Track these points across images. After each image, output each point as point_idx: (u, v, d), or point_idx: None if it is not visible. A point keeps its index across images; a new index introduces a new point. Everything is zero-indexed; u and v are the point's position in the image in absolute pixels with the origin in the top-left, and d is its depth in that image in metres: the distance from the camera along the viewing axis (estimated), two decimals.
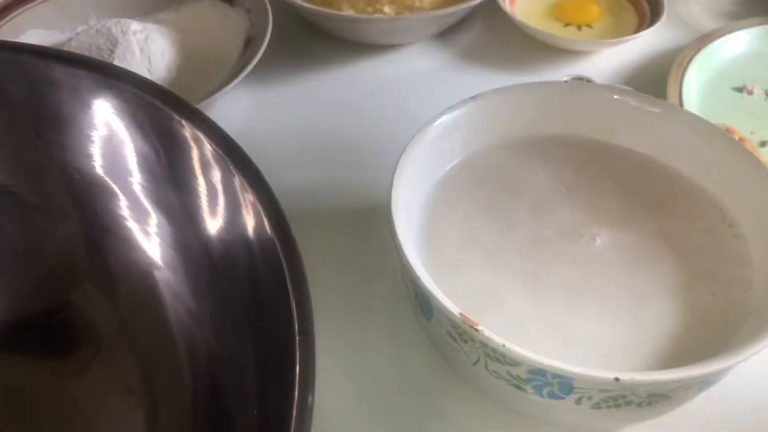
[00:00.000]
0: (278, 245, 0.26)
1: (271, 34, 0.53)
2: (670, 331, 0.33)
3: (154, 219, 0.31)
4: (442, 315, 0.31)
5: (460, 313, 0.30)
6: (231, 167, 0.29)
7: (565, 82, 0.40)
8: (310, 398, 0.22)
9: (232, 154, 0.29)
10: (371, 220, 0.42)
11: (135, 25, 0.49)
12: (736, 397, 0.35)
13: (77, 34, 0.49)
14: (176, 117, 0.30)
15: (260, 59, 0.51)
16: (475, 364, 0.32)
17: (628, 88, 0.40)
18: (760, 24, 0.55)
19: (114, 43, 0.47)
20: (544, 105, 0.40)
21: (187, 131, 0.29)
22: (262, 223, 0.27)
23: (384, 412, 0.35)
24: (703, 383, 0.31)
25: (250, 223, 0.28)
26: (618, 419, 0.32)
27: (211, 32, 0.52)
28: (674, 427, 0.34)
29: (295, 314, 0.24)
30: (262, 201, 0.27)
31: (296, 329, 0.23)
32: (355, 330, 0.38)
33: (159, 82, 0.48)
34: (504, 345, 0.29)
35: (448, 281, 0.34)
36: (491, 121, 0.40)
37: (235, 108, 0.51)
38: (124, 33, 0.48)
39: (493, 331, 0.31)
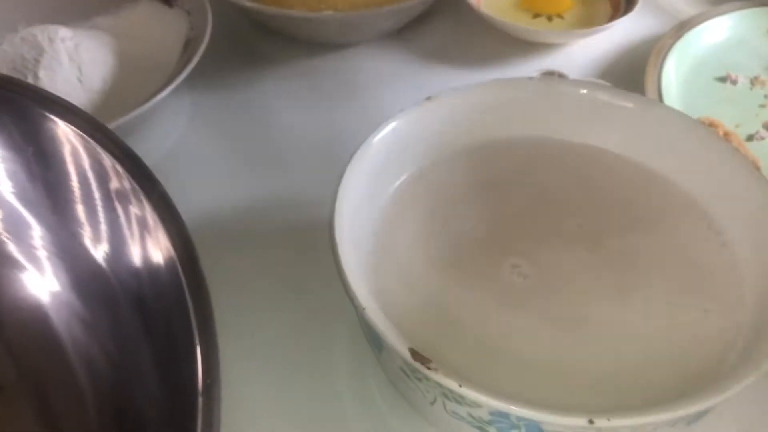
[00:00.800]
0: (184, 282, 0.22)
1: (218, 35, 0.50)
2: (659, 358, 0.29)
3: (41, 243, 0.27)
4: (391, 350, 0.27)
5: (410, 349, 0.26)
6: (135, 188, 0.25)
7: (531, 78, 0.36)
8: None
9: (137, 173, 0.25)
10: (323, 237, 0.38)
11: (63, 32, 0.45)
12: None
13: (1, 44, 0.45)
14: (74, 131, 0.26)
15: (206, 63, 0.47)
16: (432, 404, 0.28)
17: (601, 81, 0.36)
18: (742, 9, 0.52)
19: (40, 53, 0.43)
20: (509, 105, 0.36)
21: (84, 146, 0.25)
22: (167, 254, 0.23)
23: None
24: (692, 418, 0.27)
25: (152, 251, 0.24)
26: None
27: (149, 36, 0.48)
28: None
29: (199, 369, 0.20)
30: (167, 225, 0.23)
31: (200, 388, 0.19)
32: (306, 365, 0.34)
33: (93, 92, 0.45)
34: (460, 386, 0.25)
35: (402, 305, 0.30)
36: (450, 124, 0.36)
37: (178, 115, 0.47)
38: (51, 41, 0.44)
39: (455, 363, 0.28)
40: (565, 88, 0.36)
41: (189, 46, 0.45)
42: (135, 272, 0.24)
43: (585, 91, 0.35)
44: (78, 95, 0.44)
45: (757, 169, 0.42)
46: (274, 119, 0.46)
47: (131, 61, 0.47)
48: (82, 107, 0.43)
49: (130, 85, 0.46)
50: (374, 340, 0.30)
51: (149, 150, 0.44)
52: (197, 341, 0.20)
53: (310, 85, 0.49)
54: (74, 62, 0.44)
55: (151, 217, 0.24)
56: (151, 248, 0.24)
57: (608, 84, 0.36)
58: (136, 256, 0.25)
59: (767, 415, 0.32)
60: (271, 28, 0.52)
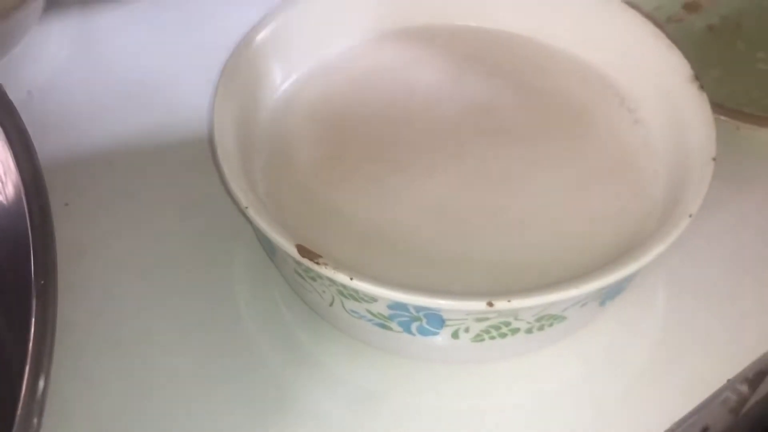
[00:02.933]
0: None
1: None
2: (572, 240, 0.27)
3: None
4: (281, 250, 0.25)
5: (298, 245, 0.24)
6: None
7: None
8: (41, 382, 0.16)
9: None
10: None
11: None
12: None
13: None
14: None
15: None
16: (331, 305, 0.26)
17: None
18: None
19: None
20: None
21: None
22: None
23: (246, 363, 0.29)
24: (603, 297, 0.26)
25: None
26: (507, 350, 0.27)
27: None
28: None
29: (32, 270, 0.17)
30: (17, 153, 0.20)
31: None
32: (205, 282, 0.32)
33: None
34: (351, 279, 0.23)
35: (296, 207, 0.28)
36: (348, 10, 0.33)
37: (63, 33, 0.43)
38: None
39: (349, 260, 0.25)
40: None
41: None
42: None
43: None
44: None
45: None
46: (168, 33, 0.43)
47: None
48: None
49: None
50: (265, 243, 0.28)
51: (28, 73, 0.41)
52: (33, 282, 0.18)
53: None
54: None
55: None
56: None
57: None
58: None
59: (679, 298, 0.31)
60: None
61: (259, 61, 0.31)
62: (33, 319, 0.16)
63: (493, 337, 0.25)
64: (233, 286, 0.32)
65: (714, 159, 0.26)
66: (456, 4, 0.34)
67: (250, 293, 0.31)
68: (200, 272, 0.32)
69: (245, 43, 0.30)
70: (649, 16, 0.42)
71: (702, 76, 0.38)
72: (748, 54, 0.40)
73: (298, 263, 0.24)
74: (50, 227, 0.21)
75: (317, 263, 0.23)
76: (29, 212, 0.21)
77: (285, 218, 0.28)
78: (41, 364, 0.16)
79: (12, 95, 0.39)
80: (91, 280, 0.32)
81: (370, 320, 0.25)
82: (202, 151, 0.35)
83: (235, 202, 0.25)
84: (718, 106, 0.35)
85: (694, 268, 0.31)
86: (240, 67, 0.30)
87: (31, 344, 0.16)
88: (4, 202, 0.24)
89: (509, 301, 0.22)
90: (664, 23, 0.42)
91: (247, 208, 0.25)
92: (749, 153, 0.36)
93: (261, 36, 0.31)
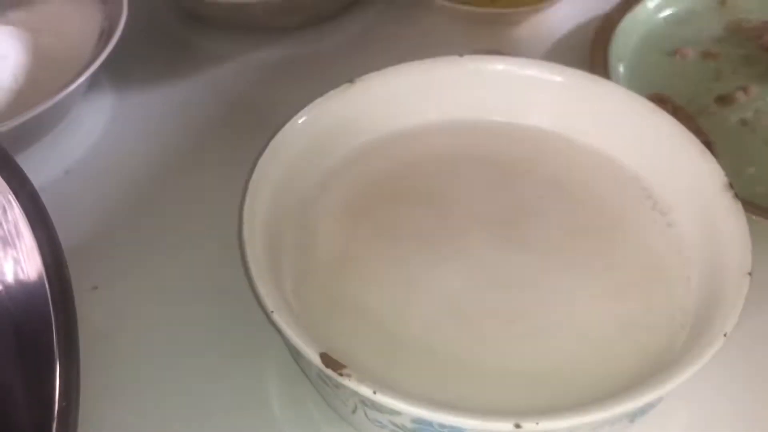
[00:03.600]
0: (50, 297, 0.19)
1: (142, 28, 0.47)
2: (600, 355, 0.27)
3: None
4: (304, 356, 0.24)
5: (322, 354, 0.23)
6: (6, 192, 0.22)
7: (457, 57, 0.33)
8: None
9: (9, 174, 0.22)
10: None
11: None
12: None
13: None
14: None
15: (129, 57, 0.45)
16: (354, 412, 0.25)
17: (534, 60, 0.34)
18: None
19: None
20: (436, 86, 0.34)
21: None
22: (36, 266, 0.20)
23: None
24: (634, 415, 0.25)
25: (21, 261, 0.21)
26: None
27: (64, 30, 0.45)
28: None
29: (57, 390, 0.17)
30: (38, 235, 0.20)
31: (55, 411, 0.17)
32: (231, 374, 0.32)
33: (3, 90, 0.41)
34: (375, 392, 0.22)
35: (323, 305, 0.28)
36: (375, 108, 0.33)
37: (99, 115, 0.44)
38: None
39: (376, 367, 0.25)
40: (491, 66, 0.33)
41: (102, 38, 0.42)
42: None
43: (511, 68, 0.33)
44: None
45: (709, 143, 0.40)
46: (202, 112, 0.44)
47: (46, 57, 0.44)
48: None
49: (46, 83, 0.42)
50: (290, 346, 0.27)
51: (67, 152, 0.42)
52: (57, 363, 0.18)
53: (241, 73, 0.46)
54: None
55: (21, 224, 0.21)
56: (19, 259, 0.21)
57: (542, 61, 0.33)
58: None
59: (709, 412, 0.30)
60: (199, 17, 0.49)
61: (292, 155, 0.31)
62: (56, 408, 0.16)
63: None
64: (260, 380, 0.31)
65: (750, 274, 0.26)
66: (494, 101, 0.34)
67: (278, 388, 0.31)
68: (227, 364, 0.32)
69: (279, 137, 0.31)
70: (681, 109, 0.42)
71: (737, 174, 0.38)
72: None
73: (322, 371, 0.24)
74: (73, 314, 0.21)
75: (341, 374, 0.23)
76: (52, 300, 0.21)
77: (311, 316, 0.27)
78: None
79: (51, 174, 0.41)
80: (114, 366, 0.32)
81: (392, 430, 0.25)
82: (233, 239, 0.35)
83: (260, 305, 0.25)
84: (751, 205, 0.35)
85: (722, 379, 0.30)
86: (272, 161, 0.30)
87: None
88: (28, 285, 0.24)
89: (537, 423, 0.22)
90: (696, 116, 0.42)
91: (272, 312, 0.25)
92: None
93: (294, 130, 0.31)
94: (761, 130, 0.41)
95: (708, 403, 0.30)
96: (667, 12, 0.48)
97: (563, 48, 0.47)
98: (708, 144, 0.40)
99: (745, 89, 0.43)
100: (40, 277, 0.20)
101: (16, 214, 0.22)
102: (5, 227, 0.22)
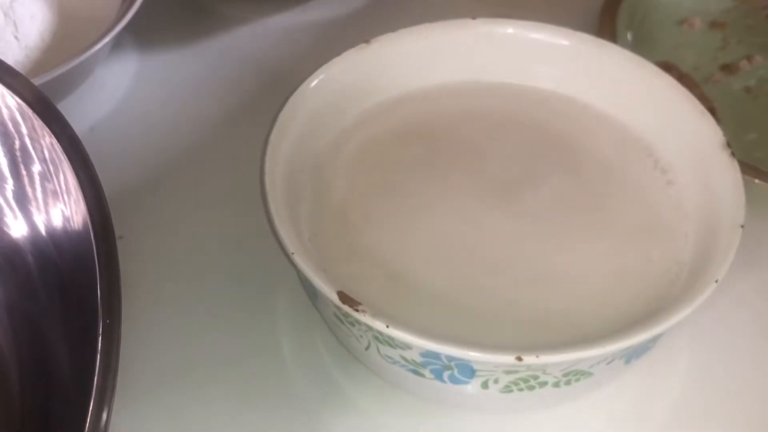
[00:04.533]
0: (95, 247, 0.21)
1: None
2: (599, 299, 0.28)
3: None
4: (322, 295, 0.26)
5: (339, 292, 0.25)
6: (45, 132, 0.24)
7: (468, 20, 0.35)
8: (104, 415, 0.17)
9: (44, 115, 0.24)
10: None
11: None
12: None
13: None
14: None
15: (152, 19, 0.46)
16: (367, 348, 0.27)
17: (542, 23, 0.35)
18: None
19: None
20: (449, 47, 0.35)
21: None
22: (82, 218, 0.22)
23: (285, 401, 0.31)
24: (629, 356, 0.26)
25: (66, 214, 0.23)
26: (535, 401, 0.28)
27: None
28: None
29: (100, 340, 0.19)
30: (84, 188, 0.22)
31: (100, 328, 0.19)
32: (246, 317, 0.34)
33: (29, 49, 0.43)
34: (388, 326, 0.24)
35: (339, 249, 0.30)
36: (390, 69, 0.35)
37: (123, 74, 0.46)
38: None
39: (388, 307, 0.27)
40: (503, 29, 0.35)
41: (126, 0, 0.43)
42: (47, 233, 0.23)
43: (521, 31, 0.34)
44: (14, 52, 0.42)
45: (713, 110, 0.41)
46: (222, 75, 0.45)
47: (71, 16, 0.45)
48: (18, 64, 0.42)
49: (71, 42, 0.44)
50: (308, 287, 0.29)
51: (92, 109, 0.44)
52: (101, 319, 0.19)
53: (262, 37, 0.47)
54: (9, 18, 0.42)
55: (70, 181, 0.23)
56: (66, 211, 0.23)
57: (552, 25, 0.35)
58: (48, 218, 0.24)
59: (703, 359, 0.32)
60: None
61: (309, 112, 0.32)
62: (98, 357, 0.18)
63: (521, 389, 0.26)
64: (275, 323, 0.33)
65: (742, 226, 0.27)
66: (503, 62, 0.35)
67: (292, 332, 0.33)
68: (244, 309, 0.34)
69: (297, 95, 0.32)
70: (687, 76, 0.44)
71: (738, 139, 0.39)
72: None
73: (338, 308, 0.26)
74: (116, 269, 0.23)
75: (356, 310, 0.25)
76: (97, 253, 0.23)
77: (328, 262, 0.29)
78: (104, 399, 0.17)
79: (76, 130, 0.42)
80: (137, 313, 0.34)
81: (403, 366, 0.26)
82: (253, 189, 0.37)
83: (282, 247, 0.27)
84: (752, 169, 0.36)
85: (720, 329, 0.32)
86: (291, 118, 0.32)
87: (96, 379, 0.18)
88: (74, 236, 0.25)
89: (537, 356, 0.23)
90: (701, 83, 0.43)
91: (293, 254, 0.26)
92: None
93: (312, 89, 0.33)
94: (763, 98, 0.42)
95: (704, 353, 0.32)
96: None
97: (570, 15, 0.48)
98: (711, 110, 0.41)
99: (749, 58, 0.44)
100: (86, 232, 0.22)
101: (65, 170, 0.23)
102: (55, 182, 0.24)
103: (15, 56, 0.42)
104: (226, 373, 0.32)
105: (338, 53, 0.34)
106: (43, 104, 0.24)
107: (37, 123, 0.25)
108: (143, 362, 0.32)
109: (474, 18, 0.35)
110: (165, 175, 0.40)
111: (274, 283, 0.34)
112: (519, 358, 0.23)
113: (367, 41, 0.34)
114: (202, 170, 0.40)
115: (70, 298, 0.24)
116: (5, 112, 0.26)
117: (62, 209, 0.25)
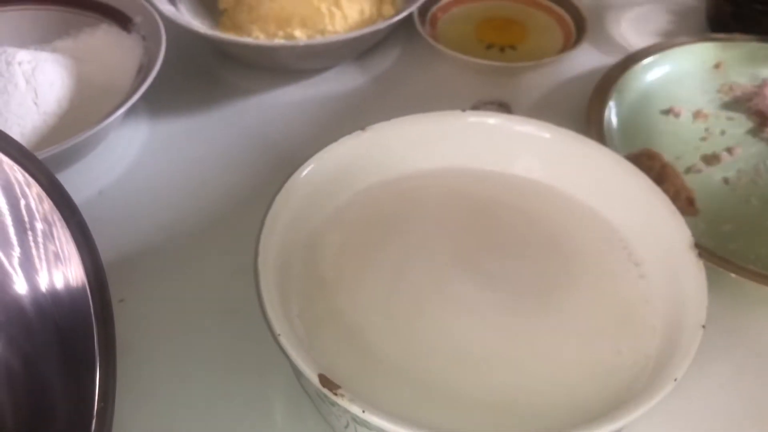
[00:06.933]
0: (92, 308, 0.23)
1: (177, 62, 0.51)
2: (567, 389, 0.30)
3: None
4: (304, 376, 0.28)
5: (320, 375, 0.27)
6: (56, 217, 0.26)
7: (460, 112, 0.37)
8: None
9: (59, 202, 0.26)
10: None
11: (22, 55, 0.46)
12: None
13: None
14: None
15: (165, 88, 0.49)
16: (346, 427, 0.29)
17: (526, 117, 0.37)
18: (689, 43, 0.53)
19: None
20: (439, 136, 0.37)
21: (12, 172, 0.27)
22: (80, 282, 0.24)
23: None
24: None
25: (66, 278, 0.25)
26: None
27: (107, 61, 0.49)
28: None
29: (96, 392, 0.21)
30: (83, 256, 0.24)
31: (94, 410, 0.20)
32: (237, 387, 0.35)
33: (47, 115, 0.46)
34: (364, 411, 0.26)
35: (326, 328, 0.31)
36: (383, 154, 0.37)
37: (134, 141, 0.48)
38: (8, 64, 0.45)
39: (370, 390, 0.28)
40: (489, 122, 0.37)
41: (142, 71, 0.46)
42: (48, 295, 0.25)
43: (506, 123, 0.37)
44: (33, 117, 0.45)
45: (691, 201, 0.43)
46: (229, 146, 0.48)
47: (89, 84, 0.48)
48: (36, 129, 0.45)
49: (87, 109, 0.47)
50: (293, 366, 0.31)
51: (102, 173, 0.46)
52: (98, 366, 0.21)
53: (267, 111, 0.50)
54: (30, 85, 0.45)
55: (68, 246, 0.25)
56: (65, 275, 0.25)
57: (533, 119, 0.37)
58: (49, 281, 0.26)
59: None
60: (229, 55, 0.53)
61: (304, 195, 0.34)
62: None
63: None
64: (267, 392, 0.35)
65: (704, 327, 0.29)
66: (489, 152, 0.38)
67: (283, 402, 0.35)
68: (237, 376, 0.35)
69: (293, 179, 0.34)
70: (668, 166, 0.46)
71: (714, 230, 0.41)
72: (761, 211, 0.43)
73: (319, 389, 0.27)
74: (112, 332, 0.24)
75: (335, 394, 0.26)
76: (94, 312, 0.25)
77: (314, 338, 0.31)
78: None
79: (86, 193, 0.45)
80: (133, 376, 0.35)
81: None
82: (247, 264, 0.39)
83: (269, 328, 0.29)
84: (725, 262, 0.38)
85: (684, 418, 0.33)
86: (286, 201, 0.34)
87: None
88: (73, 299, 0.27)
89: None
90: (682, 173, 0.45)
91: (279, 335, 0.28)
92: (753, 307, 0.38)
93: (307, 173, 0.35)
94: (741, 190, 0.44)
95: None
96: (662, 72, 0.52)
97: (563, 101, 0.51)
98: (691, 200, 0.44)
99: (730, 150, 0.46)
100: (83, 293, 0.24)
101: (66, 237, 0.25)
102: (57, 246, 0.26)
103: (33, 121, 0.45)
104: None
105: (336, 137, 0.36)
106: (52, 184, 0.26)
107: (47, 202, 0.27)
108: (135, 424, 0.33)
109: (463, 110, 0.37)
110: (168, 241, 0.42)
111: (267, 351, 0.36)
112: None
113: (363, 128, 0.37)
114: (203, 238, 0.42)
115: (68, 352, 0.26)
116: (15, 183, 0.28)
117: (63, 273, 0.27)
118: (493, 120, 0.37)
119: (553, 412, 0.28)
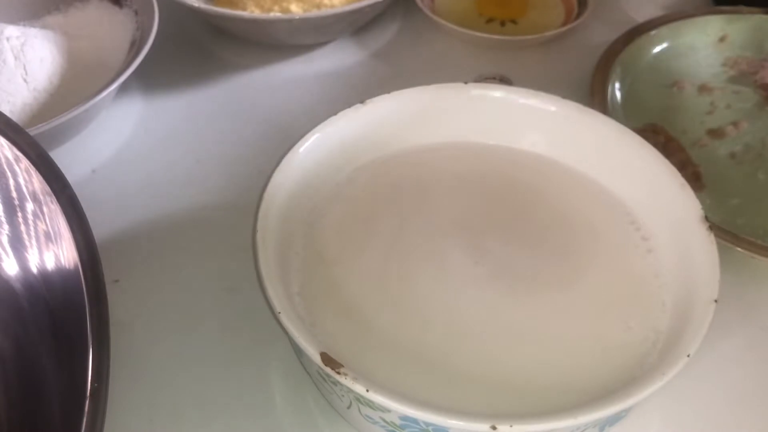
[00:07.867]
0: (84, 288, 0.22)
1: (170, 37, 0.50)
2: (577, 365, 0.29)
3: None
4: (306, 354, 0.27)
5: (322, 353, 0.26)
6: (47, 192, 0.25)
7: (461, 85, 0.36)
8: None
9: (50, 178, 0.25)
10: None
11: (10, 30, 0.44)
12: None
13: None
14: None
15: (158, 65, 0.48)
16: (348, 407, 0.28)
17: (532, 91, 0.36)
18: (693, 16, 0.52)
19: None
20: (441, 110, 0.36)
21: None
22: (72, 259, 0.23)
23: None
24: (603, 425, 0.27)
25: (57, 257, 0.24)
26: None
27: (98, 36, 0.48)
28: None
29: (90, 373, 0.20)
30: (74, 233, 0.23)
31: (88, 391, 0.20)
32: (237, 365, 0.34)
33: (38, 91, 0.44)
34: (368, 390, 0.25)
35: (328, 305, 0.30)
36: (383, 128, 0.36)
37: (128, 117, 0.47)
38: None
39: (372, 369, 0.28)
40: (493, 94, 0.36)
41: (134, 47, 0.45)
42: (39, 275, 0.24)
43: (511, 96, 0.36)
44: (23, 94, 0.44)
45: (698, 175, 0.42)
46: (222, 121, 0.47)
47: (80, 60, 0.46)
48: (27, 106, 0.44)
49: (78, 85, 0.45)
50: (293, 344, 0.30)
51: (95, 151, 0.45)
52: (90, 346, 0.20)
53: (262, 86, 0.49)
54: (19, 61, 0.44)
55: (59, 223, 0.24)
56: (57, 254, 0.24)
57: (539, 91, 0.36)
58: (40, 261, 0.25)
59: (679, 423, 0.32)
60: (223, 30, 0.52)
61: (303, 169, 0.34)
62: (84, 420, 0.19)
63: None
64: (266, 371, 0.34)
65: (716, 301, 0.28)
66: (493, 125, 0.37)
67: (282, 381, 0.34)
68: (235, 355, 0.35)
69: (292, 153, 0.33)
70: (674, 140, 0.45)
71: (721, 204, 0.41)
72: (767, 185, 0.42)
73: (321, 368, 0.26)
74: (105, 312, 0.24)
75: (338, 372, 0.26)
76: (87, 291, 0.24)
77: (314, 316, 0.30)
78: None
79: (78, 172, 0.44)
80: (130, 354, 0.35)
81: (383, 426, 0.27)
82: (248, 236, 0.38)
83: (269, 305, 0.28)
84: (733, 236, 0.37)
85: (693, 397, 0.33)
86: (285, 176, 0.33)
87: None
88: (65, 278, 0.26)
89: (511, 426, 0.24)
90: (688, 147, 0.44)
91: (279, 313, 0.27)
92: (762, 282, 0.37)
93: (307, 147, 0.34)
94: (747, 164, 0.43)
95: (676, 420, 0.32)
96: (666, 46, 0.50)
97: (565, 75, 0.50)
98: (697, 174, 0.43)
99: (735, 124, 0.46)
100: (76, 273, 0.23)
101: (57, 213, 0.24)
102: (48, 224, 0.25)
103: (23, 98, 0.44)
104: (215, 419, 0.32)
105: (334, 113, 0.35)
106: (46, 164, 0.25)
107: (36, 176, 0.26)
108: (132, 405, 0.33)
109: (465, 83, 0.36)
110: (163, 219, 0.41)
111: (266, 330, 0.35)
112: (494, 427, 0.24)
113: (362, 101, 0.35)
114: (199, 216, 0.41)
115: (60, 332, 0.25)
116: (3, 159, 0.27)
117: (54, 252, 0.26)
118: (496, 92, 0.36)
119: (565, 389, 0.28)
